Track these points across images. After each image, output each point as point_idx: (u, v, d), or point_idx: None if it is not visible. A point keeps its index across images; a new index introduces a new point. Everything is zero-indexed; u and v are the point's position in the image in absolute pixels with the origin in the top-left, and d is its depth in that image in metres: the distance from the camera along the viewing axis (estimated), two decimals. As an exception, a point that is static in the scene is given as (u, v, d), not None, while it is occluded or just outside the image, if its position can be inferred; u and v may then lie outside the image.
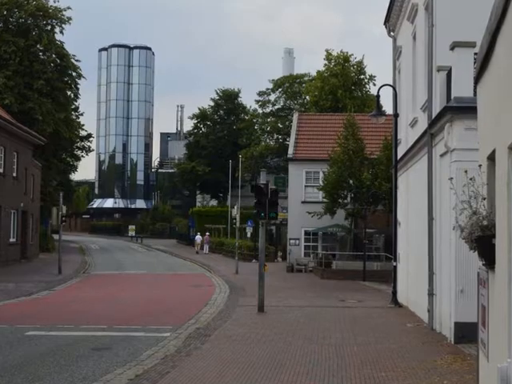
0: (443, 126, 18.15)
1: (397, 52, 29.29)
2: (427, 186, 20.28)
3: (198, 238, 71.33)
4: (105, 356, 15.95)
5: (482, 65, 7.94)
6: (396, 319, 23.03)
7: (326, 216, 45.61)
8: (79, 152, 74.05)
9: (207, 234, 71.94)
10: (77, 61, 67.45)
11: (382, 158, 42.60)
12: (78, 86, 68.90)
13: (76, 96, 69.73)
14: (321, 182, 47.16)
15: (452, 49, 17.66)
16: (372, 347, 17.11)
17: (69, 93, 67.99)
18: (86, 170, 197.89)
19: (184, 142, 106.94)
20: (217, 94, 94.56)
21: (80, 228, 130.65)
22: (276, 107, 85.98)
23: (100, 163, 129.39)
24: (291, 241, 50.95)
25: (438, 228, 19.50)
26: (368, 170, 43.72)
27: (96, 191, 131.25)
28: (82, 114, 73.30)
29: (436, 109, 19.51)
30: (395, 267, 28.23)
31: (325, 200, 45.73)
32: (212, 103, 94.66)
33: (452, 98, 17.73)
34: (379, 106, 27.56)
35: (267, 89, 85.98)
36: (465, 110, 16.71)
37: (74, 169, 76.04)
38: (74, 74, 67.54)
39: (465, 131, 17.07)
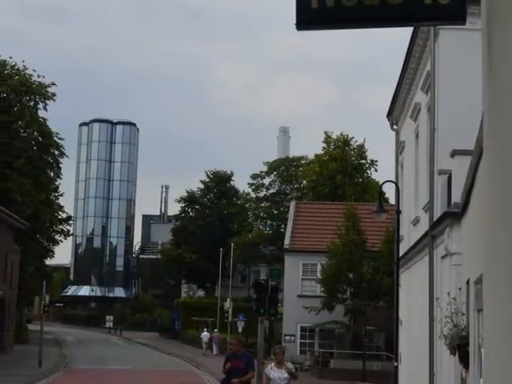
0: (443, 229, 20.11)
1: (399, 146, 31.64)
2: (428, 287, 22.22)
3: (205, 335, 64.98)
4: None
5: (465, 205, 10.37)
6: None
7: (324, 311, 47.55)
8: (57, 236, 75.17)
9: (215, 331, 66.18)
10: (60, 139, 69.91)
11: (384, 251, 44.40)
12: (61, 165, 71.05)
13: (58, 176, 71.72)
14: (319, 275, 49.19)
15: (452, 156, 20.05)
16: None
17: (50, 172, 70.15)
18: (60, 253, 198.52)
19: (168, 226, 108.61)
20: (207, 176, 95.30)
21: (52, 317, 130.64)
22: (270, 191, 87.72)
23: (76, 247, 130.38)
24: (286, 337, 52.67)
25: (439, 329, 21.44)
26: (369, 264, 45.93)
27: (71, 277, 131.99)
28: (61, 195, 74.69)
29: (437, 211, 21.42)
30: (396, 368, 29.45)
31: (322, 294, 47.78)
32: (202, 186, 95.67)
33: (452, 203, 19.99)
34: (381, 203, 29.60)
35: (261, 172, 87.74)
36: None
37: (52, 254, 76.72)
38: (56, 152, 69.80)
39: (464, 237, 19.26)
